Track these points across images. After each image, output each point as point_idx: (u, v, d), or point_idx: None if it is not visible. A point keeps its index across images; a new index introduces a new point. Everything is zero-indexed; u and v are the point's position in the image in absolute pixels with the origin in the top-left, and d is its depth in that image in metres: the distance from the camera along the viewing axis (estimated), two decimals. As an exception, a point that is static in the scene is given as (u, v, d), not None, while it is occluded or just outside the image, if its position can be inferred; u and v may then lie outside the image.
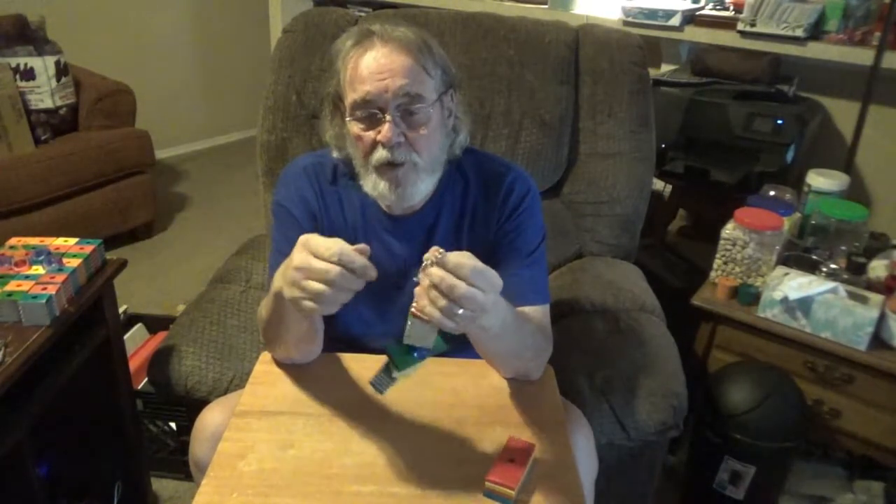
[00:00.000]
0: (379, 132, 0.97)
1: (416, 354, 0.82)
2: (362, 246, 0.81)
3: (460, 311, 0.75)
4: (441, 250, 0.77)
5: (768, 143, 1.97)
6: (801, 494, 1.70)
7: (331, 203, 1.12)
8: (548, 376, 1.07)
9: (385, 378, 0.85)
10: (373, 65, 0.95)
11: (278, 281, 0.88)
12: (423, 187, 1.03)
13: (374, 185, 1.02)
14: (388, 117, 0.96)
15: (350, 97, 0.98)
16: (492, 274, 0.79)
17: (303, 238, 0.82)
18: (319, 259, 0.79)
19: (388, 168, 0.99)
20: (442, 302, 0.75)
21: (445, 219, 1.10)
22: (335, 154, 1.10)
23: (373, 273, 0.80)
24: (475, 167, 1.12)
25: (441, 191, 1.10)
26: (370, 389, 1.02)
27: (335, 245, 0.79)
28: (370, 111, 0.97)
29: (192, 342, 1.35)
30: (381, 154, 0.98)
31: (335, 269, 0.78)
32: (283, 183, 1.15)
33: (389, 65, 0.94)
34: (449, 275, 0.75)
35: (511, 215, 1.08)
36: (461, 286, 0.75)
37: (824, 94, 2.24)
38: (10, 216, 2.45)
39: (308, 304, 0.80)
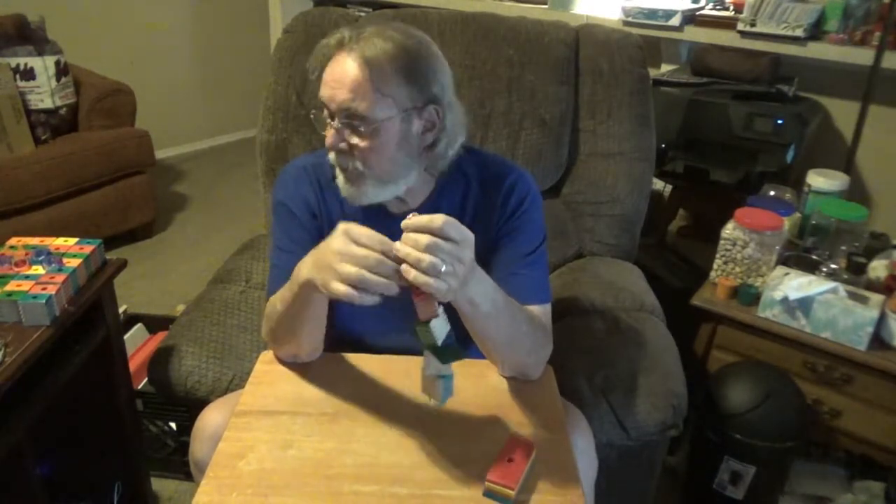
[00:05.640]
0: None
1: (445, 342, 0.84)
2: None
3: (443, 269, 0.78)
4: (414, 214, 0.80)
5: (768, 143, 1.97)
6: (801, 494, 1.70)
7: (330, 201, 1.12)
8: (548, 376, 1.07)
9: (436, 381, 0.89)
10: (330, 72, 0.97)
11: (305, 270, 0.89)
12: (376, 193, 1.03)
13: (338, 178, 1.05)
14: (333, 124, 0.98)
15: (320, 93, 1.01)
16: (460, 226, 0.81)
17: (343, 226, 0.84)
18: (360, 245, 0.81)
19: (340, 170, 1.03)
20: (424, 259, 0.77)
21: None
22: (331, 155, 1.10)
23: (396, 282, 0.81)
24: (476, 168, 1.12)
25: (439, 190, 1.10)
26: (371, 389, 1.03)
27: (376, 234, 0.82)
28: (324, 113, 1.00)
29: (192, 342, 1.35)
30: (330, 154, 1.02)
31: (375, 255, 0.80)
32: (282, 182, 1.15)
33: (341, 76, 0.95)
34: (420, 233, 0.78)
35: (511, 216, 1.08)
36: (431, 238, 0.78)
37: (824, 94, 2.24)
38: (10, 216, 2.45)
39: (341, 287, 0.81)
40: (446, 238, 0.79)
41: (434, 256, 0.78)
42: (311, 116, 1.04)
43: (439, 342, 0.84)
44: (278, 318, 1.02)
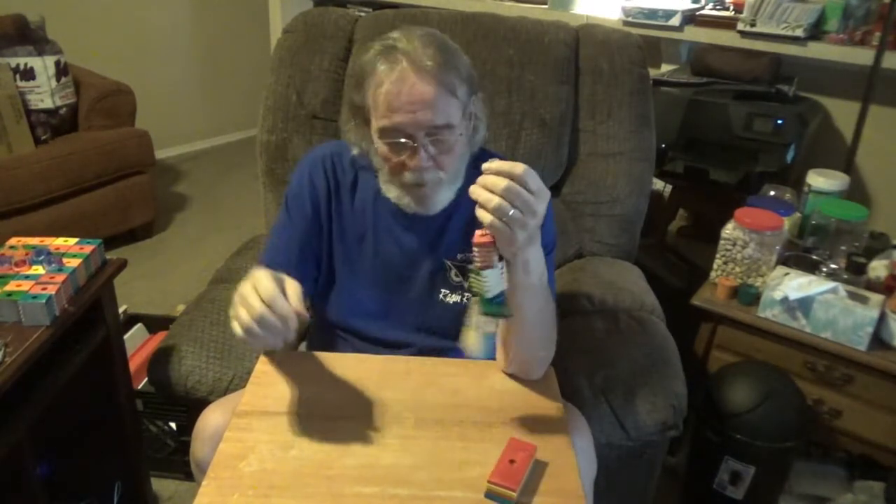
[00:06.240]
0: (409, 157, 0.99)
1: (493, 297, 0.86)
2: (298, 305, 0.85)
3: (511, 212, 0.78)
4: (495, 159, 0.81)
5: (768, 143, 1.97)
6: (801, 494, 1.70)
7: (344, 191, 1.15)
8: (549, 377, 1.07)
9: (482, 336, 0.92)
10: (404, 96, 0.96)
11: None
12: (445, 196, 1.06)
13: (398, 196, 1.06)
14: (418, 146, 0.98)
15: (380, 122, 0.99)
16: (539, 179, 0.81)
17: (259, 271, 0.88)
18: (255, 295, 0.84)
19: (415, 188, 1.03)
20: (494, 200, 0.78)
21: (459, 215, 1.11)
22: (355, 151, 1.12)
23: (292, 326, 0.84)
24: None
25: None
26: (372, 390, 1.03)
27: (271, 288, 0.84)
28: (400, 139, 0.99)
29: (192, 342, 1.35)
30: (409, 177, 1.02)
31: (262, 308, 0.83)
32: (298, 170, 1.18)
33: (421, 97, 0.95)
34: (498, 176, 0.79)
35: None
36: (509, 182, 0.79)
37: (824, 94, 2.24)
38: (10, 216, 2.45)
39: (237, 328, 0.87)
40: (524, 186, 0.79)
41: (505, 200, 0.78)
42: (370, 149, 1.05)
43: (489, 295, 0.85)
44: None
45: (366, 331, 1.17)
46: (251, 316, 0.84)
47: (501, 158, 1.15)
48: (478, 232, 0.84)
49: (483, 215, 0.80)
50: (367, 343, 1.17)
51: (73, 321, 1.19)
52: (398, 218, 1.13)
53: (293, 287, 0.86)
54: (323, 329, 1.22)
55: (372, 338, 1.17)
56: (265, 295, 0.84)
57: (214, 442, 0.95)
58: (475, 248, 0.84)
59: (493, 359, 1.07)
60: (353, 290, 1.17)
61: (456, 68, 0.98)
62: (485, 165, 0.81)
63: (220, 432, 0.95)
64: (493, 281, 0.85)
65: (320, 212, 1.16)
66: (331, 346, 1.19)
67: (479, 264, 0.85)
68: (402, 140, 0.98)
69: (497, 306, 0.87)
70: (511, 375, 1.07)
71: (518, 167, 0.80)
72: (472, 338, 0.91)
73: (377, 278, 1.16)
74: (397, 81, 0.95)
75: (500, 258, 0.85)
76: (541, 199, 0.81)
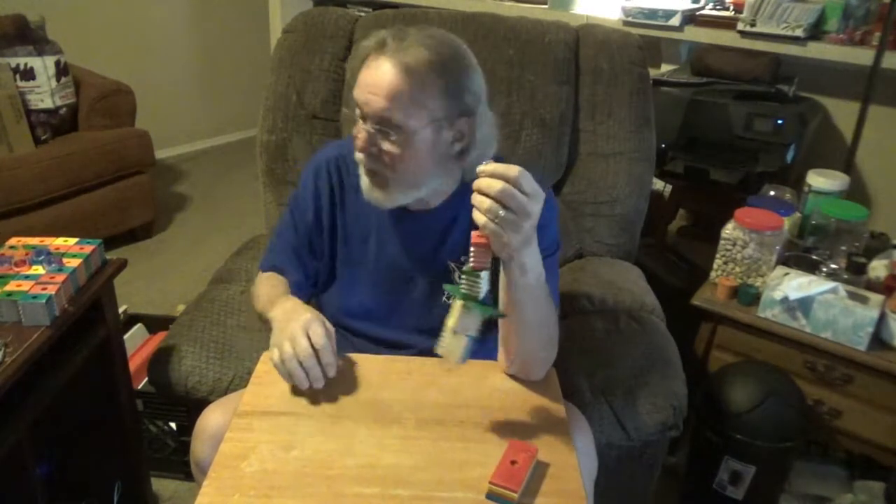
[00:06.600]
0: (358, 132, 1.01)
1: (486, 301, 0.87)
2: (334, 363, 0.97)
3: (503, 214, 0.80)
4: (490, 161, 0.83)
5: (768, 143, 1.97)
6: (801, 494, 1.70)
7: (348, 193, 1.15)
8: (551, 378, 1.07)
9: (463, 339, 0.89)
10: (368, 74, 0.97)
11: (277, 313, 1.04)
12: (400, 198, 1.05)
13: (361, 178, 1.07)
14: (365, 127, 0.99)
15: (353, 92, 1.01)
16: (534, 181, 0.82)
17: (312, 317, 0.98)
18: (306, 337, 0.95)
19: (368, 173, 1.04)
20: (486, 203, 0.80)
21: (462, 220, 1.11)
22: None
23: (329, 373, 0.97)
24: None
25: (462, 191, 1.10)
26: (373, 390, 1.03)
27: (324, 340, 0.95)
28: (356, 110, 1.01)
29: (192, 342, 1.35)
30: (357, 155, 1.03)
31: (309, 352, 0.94)
32: (304, 173, 1.20)
33: (380, 83, 0.95)
34: (493, 178, 0.80)
35: None
36: (504, 185, 0.80)
37: (824, 94, 2.24)
38: (10, 216, 2.45)
39: (276, 357, 0.96)
40: (518, 189, 0.80)
41: (498, 203, 0.79)
42: (342, 113, 1.06)
43: (481, 296, 0.86)
44: (256, 310, 1.16)
45: (367, 331, 1.18)
46: (298, 354, 0.94)
47: (499, 161, 1.16)
48: (475, 233, 0.84)
49: (477, 217, 0.81)
50: (368, 342, 1.18)
51: (73, 321, 1.19)
52: (402, 219, 1.13)
53: (333, 339, 0.97)
54: None
55: (373, 338, 1.17)
56: (317, 342, 0.95)
57: (215, 442, 0.95)
58: (472, 249, 0.85)
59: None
60: (356, 290, 1.18)
61: (440, 81, 0.96)
62: (479, 168, 0.82)
63: (221, 432, 0.95)
64: (485, 282, 0.86)
65: (322, 216, 1.17)
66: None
67: (473, 265, 0.85)
68: (357, 112, 1.00)
69: (490, 308, 0.88)
70: (512, 376, 1.07)
71: (513, 169, 0.80)
72: (453, 341, 0.89)
73: (380, 279, 1.16)
74: (374, 61, 0.97)
75: (495, 259, 0.86)
76: (535, 201, 0.82)
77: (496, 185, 0.79)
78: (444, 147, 1.01)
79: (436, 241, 1.13)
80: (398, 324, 1.16)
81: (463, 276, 0.86)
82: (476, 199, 0.81)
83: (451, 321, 0.88)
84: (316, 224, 1.17)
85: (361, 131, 0.99)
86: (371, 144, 0.99)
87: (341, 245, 1.18)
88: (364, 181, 1.05)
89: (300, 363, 0.94)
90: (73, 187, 2.62)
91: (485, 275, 0.85)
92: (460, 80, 0.99)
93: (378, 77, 0.95)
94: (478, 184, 0.81)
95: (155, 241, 3.02)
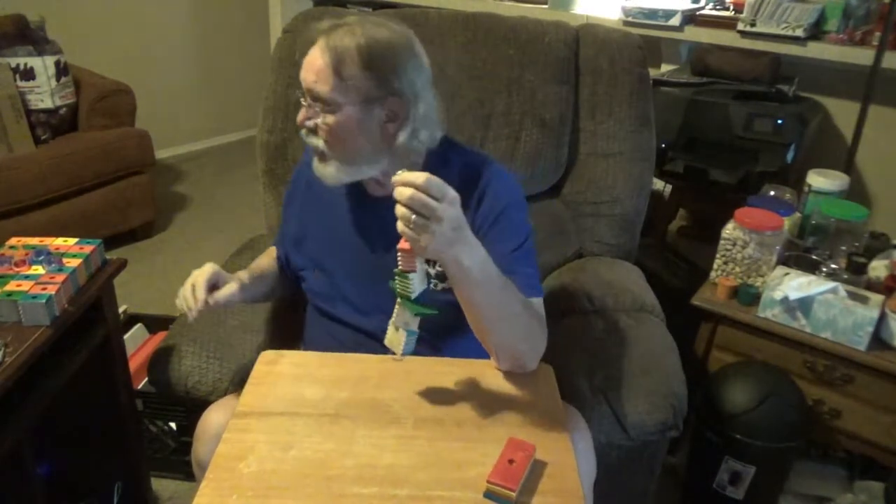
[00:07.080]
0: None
1: (418, 298, 0.93)
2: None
3: (414, 218, 0.83)
4: (403, 171, 0.86)
5: (768, 143, 1.97)
6: (801, 494, 1.70)
7: (319, 187, 1.17)
8: (548, 376, 1.07)
9: (402, 333, 0.96)
10: (309, 56, 1.05)
11: None
12: (340, 175, 1.10)
13: (312, 159, 1.12)
14: (303, 102, 1.06)
15: None
16: (445, 186, 0.85)
17: (207, 267, 1.11)
18: (192, 279, 1.10)
19: (314, 153, 1.10)
20: (400, 210, 0.84)
21: None
22: None
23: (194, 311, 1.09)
24: (459, 163, 1.15)
25: None
26: (371, 390, 1.03)
27: (200, 280, 1.09)
28: (298, 90, 1.08)
29: (191, 342, 1.35)
30: (301, 132, 1.10)
31: (188, 287, 1.10)
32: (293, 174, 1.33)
33: (311, 61, 1.03)
34: (403, 186, 0.84)
35: (488, 216, 1.10)
36: (413, 192, 0.83)
37: (824, 94, 2.24)
38: (10, 216, 2.45)
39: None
40: (427, 194, 0.83)
41: (410, 209, 0.83)
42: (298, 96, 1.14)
43: (413, 295, 0.91)
44: None
45: (348, 320, 1.20)
46: (182, 288, 1.10)
47: (478, 157, 1.20)
48: (402, 238, 0.88)
49: (398, 223, 0.85)
50: (348, 330, 1.20)
51: (73, 321, 1.19)
52: (366, 205, 1.18)
53: (226, 290, 1.10)
54: (314, 321, 1.27)
55: (353, 326, 1.20)
56: (194, 280, 1.09)
57: (217, 442, 0.95)
58: (398, 253, 0.89)
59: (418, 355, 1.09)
60: (336, 281, 1.21)
61: (368, 61, 1.02)
62: (393, 178, 0.85)
63: (223, 433, 0.95)
64: (416, 283, 0.91)
65: (301, 216, 1.26)
66: (318, 337, 1.24)
67: (402, 267, 0.90)
68: (298, 92, 1.07)
69: (421, 306, 0.93)
70: (509, 373, 1.07)
71: (420, 177, 0.83)
72: (394, 336, 0.97)
73: (355, 269, 1.20)
74: (311, 46, 1.05)
75: (429, 261, 0.89)
76: (447, 205, 0.84)
77: (406, 193, 0.83)
78: (375, 126, 1.06)
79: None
80: (376, 312, 1.17)
81: (396, 277, 0.91)
82: (396, 207, 0.85)
83: (393, 316, 0.96)
84: (297, 224, 1.27)
85: (301, 107, 1.07)
86: (306, 119, 1.06)
87: (323, 240, 1.23)
88: (314, 161, 1.11)
89: (183, 296, 1.09)
90: (72, 187, 2.62)
91: (414, 276, 0.90)
92: (390, 61, 1.03)
93: (310, 57, 1.04)
94: (395, 193, 0.85)
95: (155, 241, 3.02)
